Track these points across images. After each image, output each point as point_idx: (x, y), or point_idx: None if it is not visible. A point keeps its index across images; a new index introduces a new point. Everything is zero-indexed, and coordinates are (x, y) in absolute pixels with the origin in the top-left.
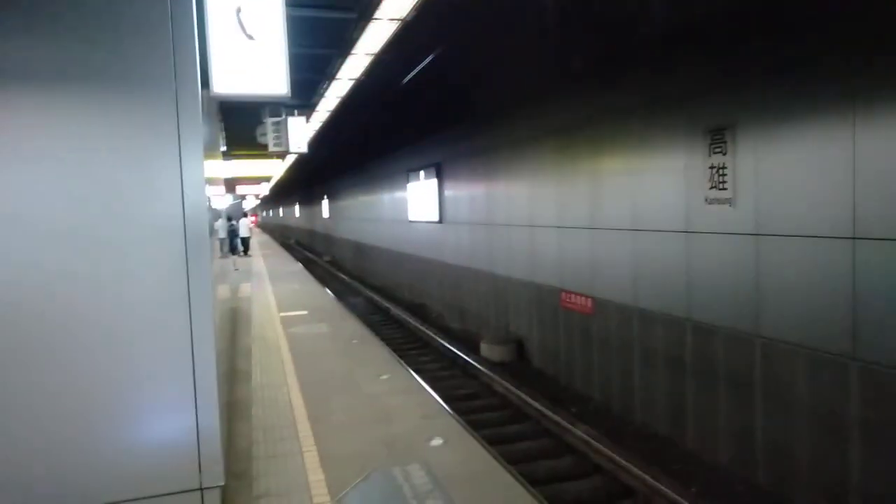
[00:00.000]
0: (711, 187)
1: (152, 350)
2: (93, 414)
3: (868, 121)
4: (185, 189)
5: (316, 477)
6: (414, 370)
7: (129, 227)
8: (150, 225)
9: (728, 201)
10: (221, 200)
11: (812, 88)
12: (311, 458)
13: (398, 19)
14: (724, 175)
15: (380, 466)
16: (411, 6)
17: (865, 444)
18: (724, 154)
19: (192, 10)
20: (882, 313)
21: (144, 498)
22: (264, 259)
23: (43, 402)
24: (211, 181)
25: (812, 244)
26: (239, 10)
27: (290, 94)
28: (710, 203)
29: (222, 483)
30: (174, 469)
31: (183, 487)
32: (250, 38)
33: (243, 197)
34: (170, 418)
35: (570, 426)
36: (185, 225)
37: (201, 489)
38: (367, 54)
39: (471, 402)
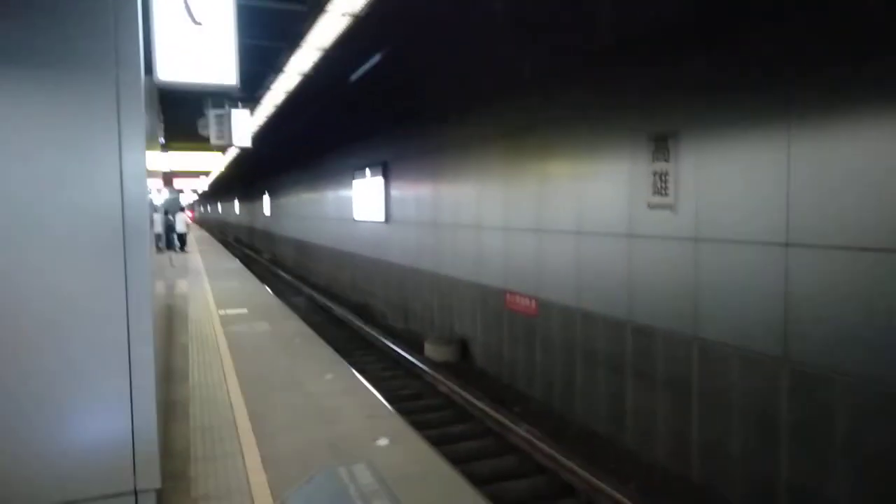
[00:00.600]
0: (654, 193)
1: (86, 347)
2: (21, 413)
3: (802, 131)
4: (124, 179)
5: (258, 478)
6: (357, 370)
7: (64, 216)
8: (87, 215)
9: (669, 206)
10: (159, 193)
11: (750, 98)
12: (253, 458)
13: (350, 14)
14: (666, 181)
15: (324, 467)
16: (364, 2)
17: (793, 442)
18: (667, 161)
19: None
20: (811, 317)
21: (76, 501)
22: (202, 255)
23: None
24: (150, 173)
25: (748, 249)
26: None
27: (239, 85)
28: (652, 208)
29: (158, 486)
30: (108, 471)
31: (117, 490)
32: (198, 24)
33: (181, 191)
34: (104, 418)
35: (512, 425)
36: (123, 216)
37: (135, 492)
38: (316, 49)
39: (414, 402)
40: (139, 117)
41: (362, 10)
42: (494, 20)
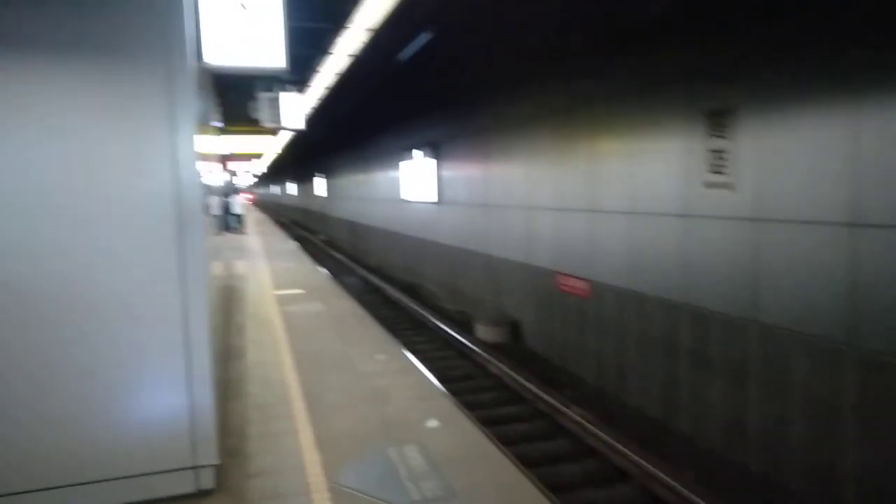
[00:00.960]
0: (711, 171)
1: (145, 328)
2: (86, 392)
3: (872, 103)
4: (176, 162)
5: (311, 457)
6: (409, 351)
7: (118, 203)
8: (141, 200)
9: (727, 185)
10: (216, 176)
11: (815, 69)
12: (307, 437)
13: None
14: (723, 159)
15: (375, 447)
16: None
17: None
18: (725, 138)
19: None
20: (883, 302)
21: (139, 476)
22: (259, 237)
23: (35, 380)
24: (204, 156)
25: (810, 230)
26: None
27: (289, 68)
28: (708, 187)
29: (217, 462)
30: (168, 447)
31: (177, 465)
32: (243, 7)
33: (236, 174)
34: (163, 396)
35: (564, 408)
36: (177, 200)
37: (195, 467)
38: (363, 29)
39: (465, 383)
40: (190, 102)
41: None
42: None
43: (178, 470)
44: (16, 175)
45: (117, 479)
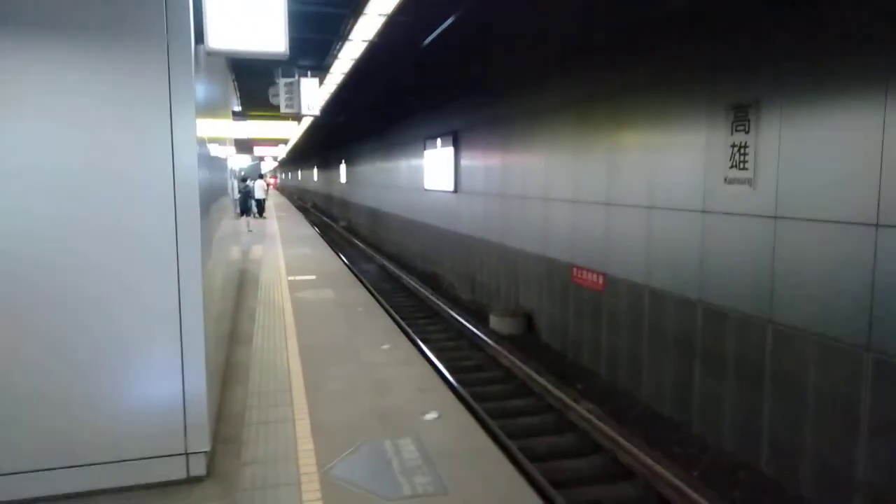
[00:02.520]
0: (732, 166)
1: (138, 312)
2: (77, 375)
3: None
4: (174, 148)
5: (305, 446)
6: (421, 339)
7: (115, 186)
8: (138, 184)
9: (748, 181)
10: (232, 160)
11: (842, 62)
12: (303, 426)
13: None
14: (745, 154)
15: (371, 439)
16: None
17: (873, 435)
18: (747, 132)
19: None
20: None
21: (129, 460)
22: (279, 222)
23: (28, 362)
24: (215, 140)
25: (832, 229)
26: None
27: (288, 53)
28: (729, 183)
29: (207, 448)
30: (160, 433)
31: (168, 451)
32: None
33: (261, 158)
34: (156, 382)
35: (573, 403)
36: (174, 185)
37: (186, 454)
38: (379, 14)
39: (476, 374)
40: (189, 85)
41: None
42: None
43: (169, 456)
44: (13, 157)
45: (110, 462)
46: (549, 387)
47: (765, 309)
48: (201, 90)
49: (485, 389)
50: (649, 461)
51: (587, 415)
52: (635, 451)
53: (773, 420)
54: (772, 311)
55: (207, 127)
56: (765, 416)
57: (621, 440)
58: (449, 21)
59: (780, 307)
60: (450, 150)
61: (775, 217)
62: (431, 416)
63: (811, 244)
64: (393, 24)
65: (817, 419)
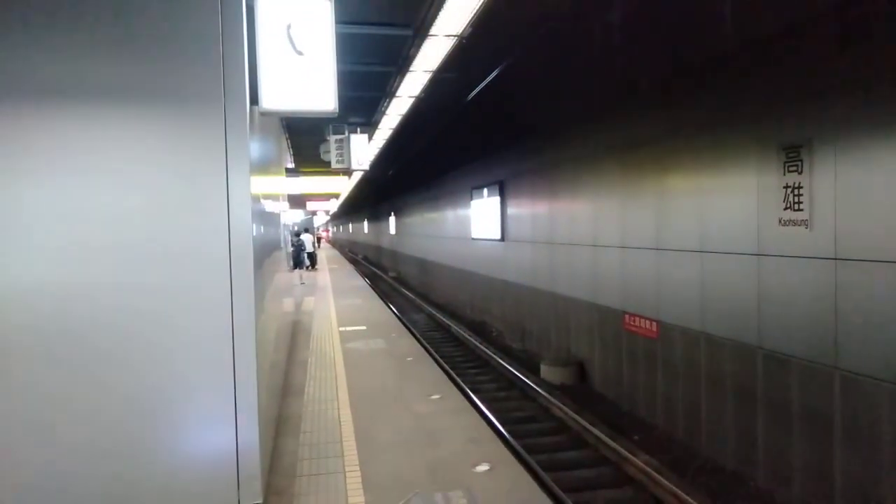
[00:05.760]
0: (786, 208)
1: (193, 364)
2: (133, 427)
3: None
4: (230, 204)
5: (356, 499)
6: (471, 389)
7: (174, 241)
8: (196, 239)
9: (804, 223)
10: (285, 215)
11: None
12: (354, 478)
13: (455, 35)
14: (799, 195)
15: (422, 492)
16: (467, 22)
17: None
18: (800, 172)
19: (242, 27)
20: None
21: None
22: (331, 273)
23: (84, 412)
24: (269, 196)
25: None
26: (289, 27)
27: (337, 111)
28: (784, 224)
29: (260, 501)
30: (213, 484)
31: (221, 503)
32: (300, 53)
33: (314, 213)
34: (210, 433)
35: (630, 455)
36: (230, 239)
37: None
38: (425, 71)
39: (528, 426)
40: (244, 145)
41: (465, 30)
42: (610, 34)
43: None
44: (79, 214)
45: None
46: (604, 438)
47: (829, 353)
48: (255, 149)
49: (537, 441)
50: None
51: (645, 467)
52: None
53: (848, 473)
54: (836, 356)
55: (261, 183)
56: (837, 468)
57: (681, 493)
58: (492, 75)
59: (845, 352)
60: (496, 199)
61: (835, 258)
62: (483, 468)
63: (876, 284)
64: (438, 80)
65: (893, 469)
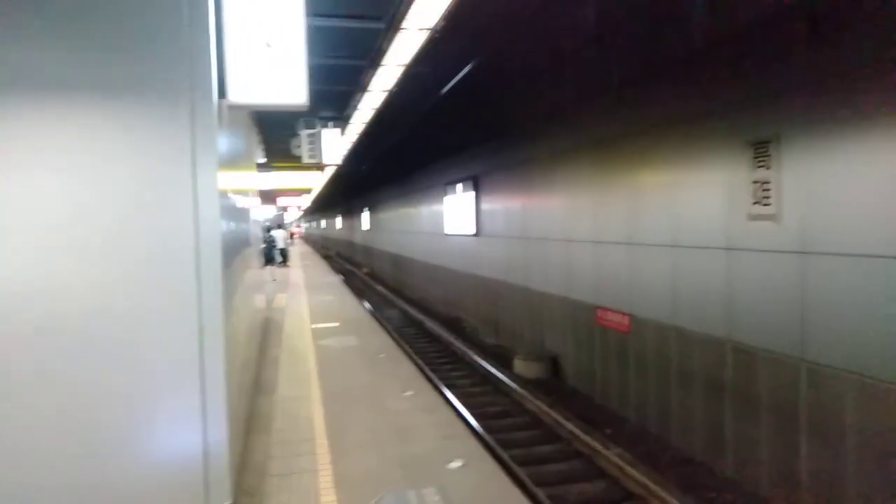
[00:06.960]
0: (755, 203)
1: (159, 363)
2: (96, 427)
3: None
4: (198, 200)
5: (328, 498)
6: (445, 385)
7: (139, 238)
8: (161, 235)
9: (772, 217)
10: (256, 211)
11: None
12: (326, 477)
13: (427, 29)
14: (767, 190)
15: (394, 489)
16: (439, 16)
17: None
18: (769, 168)
19: (208, 18)
20: None
21: None
22: (303, 270)
23: (46, 414)
24: (239, 192)
25: (864, 263)
26: (257, 18)
27: (308, 104)
28: (752, 219)
29: (229, 501)
30: (180, 486)
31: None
32: (268, 46)
33: (285, 209)
34: (176, 433)
35: (602, 448)
36: (196, 236)
37: None
38: (398, 65)
39: (501, 420)
40: (212, 139)
41: (438, 23)
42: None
43: None
44: (39, 211)
45: None
46: (577, 431)
47: (796, 346)
48: (224, 143)
49: (511, 436)
50: None
51: (617, 460)
52: (671, 500)
53: (813, 463)
54: (803, 348)
55: (231, 179)
56: (802, 458)
57: (652, 486)
58: (465, 70)
59: (811, 344)
60: (471, 194)
61: (803, 252)
62: (456, 464)
63: (842, 278)
64: (411, 74)
65: (856, 462)
